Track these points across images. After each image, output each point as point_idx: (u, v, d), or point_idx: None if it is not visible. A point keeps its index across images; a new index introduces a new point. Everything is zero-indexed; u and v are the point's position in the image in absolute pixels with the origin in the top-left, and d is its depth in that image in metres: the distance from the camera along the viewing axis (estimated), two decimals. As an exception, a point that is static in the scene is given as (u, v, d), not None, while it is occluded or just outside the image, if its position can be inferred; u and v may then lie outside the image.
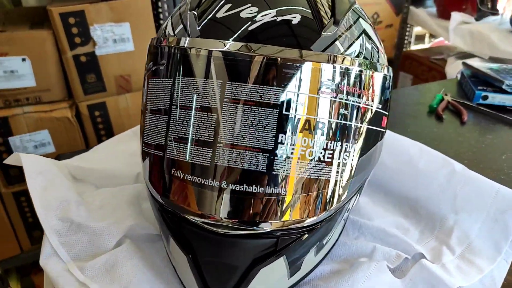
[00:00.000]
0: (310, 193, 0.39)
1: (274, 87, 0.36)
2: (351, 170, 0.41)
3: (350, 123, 0.40)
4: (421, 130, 0.81)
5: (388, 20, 1.75)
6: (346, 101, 0.39)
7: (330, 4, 0.42)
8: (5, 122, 1.20)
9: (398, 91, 1.04)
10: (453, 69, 1.41)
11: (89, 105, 1.29)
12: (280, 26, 0.39)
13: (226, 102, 0.37)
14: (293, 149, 0.37)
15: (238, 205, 0.38)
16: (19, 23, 1.22)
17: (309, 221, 0.40)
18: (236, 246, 0.39)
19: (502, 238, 0.51)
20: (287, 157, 0.37)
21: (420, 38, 2.74)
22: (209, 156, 0.38)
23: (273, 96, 0.36)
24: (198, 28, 0.40)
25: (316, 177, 0.39)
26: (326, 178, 0.39)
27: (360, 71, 0.40)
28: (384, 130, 0.47)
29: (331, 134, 0.39)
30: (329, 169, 0.39)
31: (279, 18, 0.39)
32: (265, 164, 0.37)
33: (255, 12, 0.39)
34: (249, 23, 0.38)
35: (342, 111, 0.39)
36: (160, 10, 1.33)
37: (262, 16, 0.39)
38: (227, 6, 0.40)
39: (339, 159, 0.40)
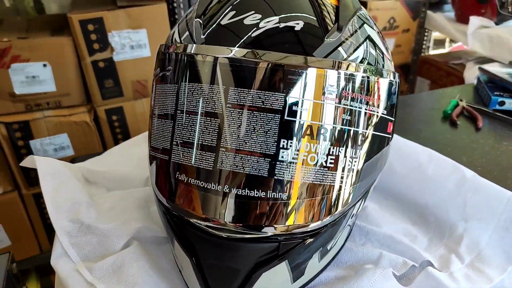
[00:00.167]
0: (313, 198, 0.39)
1: (277, 93, 0.37)
2: (355, 175, 0.41)
3: (353, 128, 0.40)
4: (434, 136, 0.80)
5: (405, 25, 1.74)
6: (350, 107, 0.39)
7: (335, 10, 0.43)
8: (27, 125, 1.24)
9: (412, 96, 1.03)
10: (472, 74, 1.38)
11: (106, 110, 1.32)
12: (283, 33, 0.39)
13: (229, 107, 0.38)
14: (295, 154, 0.38)
15: (241, 209, 0.38)
16: (41, 30, 1.26)
17: (312, 226, 0.40)
18: (239, 249, 0.40)
19: (513, 247, 0.50)
20: (289, 162, 0.38)
21: (440, 43, 2.70)
22: (213, 160, 0.38)
23: (276, 101, 0.37)
24: (203, 35, 0.41)
25: (319, 183, 0.39)
26: (329, 183, 0.39)
27: (365, 77, 0.40)
28: (390, 136, 0.46)
29: (334, 139, 0.39)
30: (332, 174, 0.39)
31: (282, 25, 0.39)
32: (267, 169, 0.37)
33: (258, 19, 0.39)
34: (252, 30, 0.39)
35: (346, 117, 0.39)
36: (176, 16, 1.36)
37: (265, 23, 0.39)
38: (231, 13, 0.41)
39: (342, 164, 0.40)
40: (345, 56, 0.40)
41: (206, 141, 0.39)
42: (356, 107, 0.40)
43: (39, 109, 1.25)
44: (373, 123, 0.42)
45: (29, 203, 1.33)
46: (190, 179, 0.40)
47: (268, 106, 0.37)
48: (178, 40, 0.44)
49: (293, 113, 0.37)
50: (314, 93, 0.37)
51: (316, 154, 0.38)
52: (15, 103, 1.22)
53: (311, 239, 0.41)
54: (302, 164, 0.38)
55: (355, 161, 0.41)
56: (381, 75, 0.42)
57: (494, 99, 0.89)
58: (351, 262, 0.51)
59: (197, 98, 0.39)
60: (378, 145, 0.44)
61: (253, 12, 0.40)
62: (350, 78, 0.39)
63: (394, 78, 0.45)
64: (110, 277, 0.46)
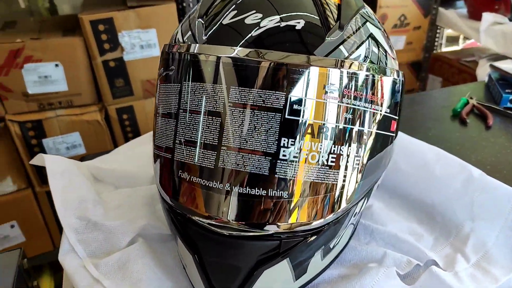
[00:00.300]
0: (314, 196, 0.39)
1: (277, 92, 0.37)
2: (358, 174, 0.41)
3: (355, 127, 0.40)
4: (442, 135, 0.79)
5: (416, 22, 1.71)
6: (352, 106, 0.39)
7: (337, 9, 0.43)
8: (40, 124, 1.26)
9: (421, 94, 1.02)
10: (484, 71, 1.36)
11: (117, 109, 1.34)
12: (284, 32, 0.39)
13: (231, 106, 0.38)
14: (296, 153, 0.38)
15: (243, 207, 0.39)
16: (53, 30, 1.28)
17: (315, 224, 0.41)
18: (240, 247, 0.40)
19: (520, 247, 0.50)
20: (290, 160, 0.38)
21: (454, 40, 2.66)
22: (214, 159, 0.39)
23: (277, 100, 0.37)
24: (205, 35, 0.41)
25: (321, 181, 0.39)
26: (331, 182, 0.39)
27: (367, 75, 0.40)
28: (393, 135, 0.46)
29: (335, 138, 0.39)
30: (333, 173, 0.39)
31: (283, 24, 0.39)
32: (268, 167, 0.38)
33: (259, 19, 0.40)
34: (253, 29, 0.39)
35: (347, 115, 0.39)
36: (185, 16, 1.37)
37: (266, 22, 0.39)
38: (233, 13, 0.41)
39: (344, 163, 0.40)
40: (346, 54, 0.40)
41: (208, 140, 0.39)
42: (358, 105, 0.40)
43: (52, 108, 1.28)
44: (375, 122, 0.42)
45: (42, 200, 1.36)
46: (192, 177, 0.40)
47: (269, 105, 0.37)
48: (181, 40, 0.44)
49: (293, 112, 0.37)
50: (315, 92, 0.38)
51: (317, 152, 0.38)
52: (28, 102, 1.24)
53: (313, 237, 0.41)
54: (303, 163, 0.38)
55: (357, 160, 0.41)
56: (384, 74, 0.42)
57: (505, 97, 0.87)
58: (355, 261, 0.51)
59: (199, 97, 0.39)
60: (381, 143, 0.44)
61: (254, 11, 0.40)
62: (352, 76, 0.39)
63: (398, 76, 0.45)
64: (116, 273, 0.46)
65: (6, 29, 1.30)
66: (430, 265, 0.49)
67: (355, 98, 0.39)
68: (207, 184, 0.39)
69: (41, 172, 1.31)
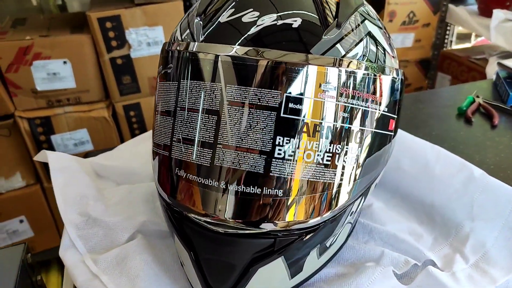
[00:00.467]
0: (310, 195, 0.39)
1: (273, 90, 0.37)
2: (354, 173, 0.41)
3: (351, 126, 0.40)
4: (447, 133, 0.78)
5: (425, 19, 1.69)
6: (348, 105, 0.39)
7: (335, 7, 0.42)
8: (48, 121, 1.28)
9: (427, 92, 1.01)
10: (494, 69, 1.34)
11: (124, 106, 1.35)
12: (280, 30, 0.39)
13: (227, 104, 0.38)
14: (292, 151, 0.38)
15: (239, 205, 0.39)
16: (61, 28, 1.30)
17: (310, 222, 0.41)
18: (235, 244, 0.40)
19: (520, 248, 0.49)
20: (285, 159, 0.38)
21: (465, 37, 2.62)
22: (210, 157, 0.39)
23: (272, 99, 0.37)
24: (203, 33, 0.41)
25: (316, 179, 0.39)
26: (327, 180, 0.39)
27: (365, 74, 0.40)
28: (392, 133, 0.46)
29: (331, 137, 0.39)
30: (329, 171, 0.39)
31: (280, 22, 0.39)
32: (263, 166, 0.38)
33: (256, 17, 0.40)
34: (250, 27, 0.39)
35: (344, 114, 0.39)
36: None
37: (263, 20, 0.39)
38: (231, 11, 0.41)
39: (340, 162, 0.40)
40: (343, 53, 0.40)
41: (204, 138, 0.39)
42: (355, 104, 0.40)
43: (60, 105, 1.29)
44: (373, 121, 0.42)
45: (51, 196, 1.38)
46: (189, 175, 0.40)
47: (264, 103, 0.37)
48: (179, 38, 0.44)
49: (289, 111, 0.37)
50: (311, 90, 0.37)
51: (312, 151, 0.38)
52: (37, 99, 1.26)
53: (308, 236, 0.42)
54: (299, 161, 0.38)
55: (354, 159, 0.41)
56: (382, 72, 0.42)
57: (512, 96, 0.86)
58: (352, 260, 0.51)
59: (196, 95, 0.40)
60: (379, 142, 0.44)
61: (252, 9, 0.40)
62: (349, 75, 0.39)
63: (397, 75, 0.45)
64: (114, 269, 0.47)
65: (16, 26, 1.32)
66: (428, 265, 0.49)
67: (352, 97, 0.39)
68: (203, 182, 0.39)
69: (49, 168, 1.33)
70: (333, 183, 0.40)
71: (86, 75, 1.28)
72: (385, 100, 0.43)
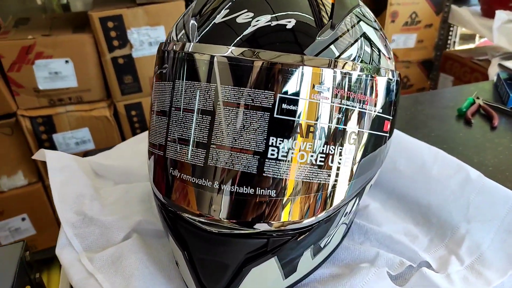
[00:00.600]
0: (303, 195, 0.39)
1: (266, 91, 0.37)
2: (348, 174, 0.41)
3: (345, 127, 0.40)
4: (446, 135, 0.78)
5: (428, 19, 1.69)
6: (342, 105, 0.39)
7: (330, 8, 0.42)
8: (50, 120, 1.29)
9: (427, 94, 1.01)
10: (496, 70, 1.33)
11: (126, 105, 1.35)
12: (274, 31, 0.39)
13: (220, 105, 0.38)
14: (285, 152, 0.38)
15: (233, 205, 0.39)
16: (64, 27, 1.30)
17: (305, 222, 0.41)
18: (227, 244, 0.40)
19: (515, 250, 0.49)
20: (279, 160, 0.38)
21: (470, 38, 2.61)
22: (204, 157, 0.39)
23: (266, 99, 0.37)
24: (197, 34, 0.41)
25: (309, 180, 0.39)
26: (320, 181, 0.40)
27: (360, 75, 0.40)
28: (387, 135, 0.46)
29: (325, 138, 0.39)
30: (322, 172, 0.39)
31: (274, 23, 0.39)
32: (256, 166, 0.38)
33: (250, 17, 0.40)
34: (244, 28, 0.39)
35: (337, 115, 0.39)
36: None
37: (257, 21, 0.39)
38: (225, 12, 0.41)
39: (334, 163, 0.40)
40: (337, 54, 0.40)
41: (198, 138, 0.39)
42: (349, 105, 0.40)
43: (62, 104, 1.30)
44: (367, 122, 0.42)
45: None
46: (183, 175, 0.40)
47: (258, 104, 0.37)
48: (175, 39, 0.44)
49: (282, 111, 0.37)
50: (305, 91, 0.38)
51: (306, 152, 0.38)
52: (39, 98, 1.26)
53: (301, 236, 0.42)
54: (292, 162, 0.38)
55: (348, 160, 0.41)
56: (377, 74, 0.42)
57: (513, 97, 0.86)
58: (347, 261, 0.51)
59: (190, 96, 0.40)
60: (373, 143, 0.44)
61: (246, 10, 0.40)
62: (344, 76, 0.39)
63: (393, 76, 0.45)
64: (109, 268, 0.47)
65: (19, 25, 1.33)
66: (424, 266, 0.49)
67: (346, 98, 0.39)
68: (197, 182, 0.40)
69: (51, 166, 1.34)
70: (327, 183, 0.40)
71: (88, 74, 1.28)
72: (380, 101, 0.43)
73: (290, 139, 0.38)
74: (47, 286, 1.38)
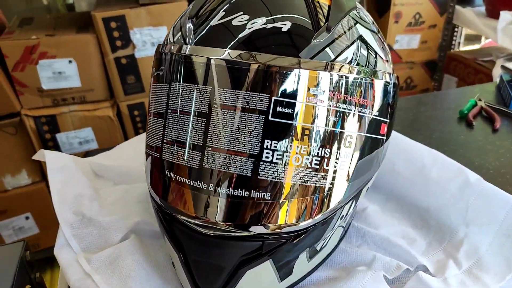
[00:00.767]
0: (298, 198, 0.39)
1: (261, 94, 0.37)
2: (344, 176, 0.41)
3: (341, 130, 0.40)
4: (447, 137, 0.78)
5: (431, 20, 1.68)
6: (337, 108, 0.39)
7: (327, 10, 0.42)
8: (53, 119, 1.30)
9: (429, 95, 1.00)
10: (500, 72, 1.32)
11: (129, 105, 1.36)
12: (269, 34, 0.39)
13: (215, 107, 0.38)
14: (279, 155, 0.38)
15: (229, 208, 0.39)
16: (67, 27, 1.31)
17: (300, 225, 0.41)
18: (222, 247, 0.41)
19: (514, 255, 0.49)
20: (273, 162, 0.38)
21: (476, 38, 2.59)
22: (199, 159, 0.39)
23: (261, 102, 0.37)
24: (194, 36, 0.41)
25: (304, 183, 0.39)
26: (315, 184, 0.39)
27: (356, 78, 0.40)
28: (383, 138, 0.46)
29: (320, 141, 0.39)
30: (318, 175, 0.39)
31: (269, 26, 0.39)
32: (251, 169, 0.38)
33: (245, 20, 0.40)
34: (240, 31, 0.39)
35: (333, 118, 0.39)
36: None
37: (252, 24, 0.39)
38: (222, 14, 0.41)
39: (329, 166, 0.40)
40: (332, 56, 0.40)
41: (194, 140, 0.39)
42: (344, 108, 0.39)
43: (65, 104, 1.31)
44: (364, 125, 0.42)
45: (56, 194, 1.39)
46: (178, 177, 0.41)
47: (252, 107, 0.37)
48: (172, 41, 0.45)
49: (277, 114, 0.37)
50: (300, 94, 0.37)
51: (301, 155, 0.38)
52: (42, 97, 1.27)
53: (297, 239, 0.42)
54: (287, 165, 0.38)
55: (343, 163, 0.41)
56: (374, 77, 0.42)
57: (515, 99, 0.85)
58: (344, 263, 0.50)
59: (185, 98, 0.40)
60: (370, 146, 0.43)
61: (242, 13, 0.40)
62: (341, 80, 0.39)
63: (390, 79, 0.45)
64: (106, 269, 0.47)
65: (23, 25, 1.34)
66: (421, 270, 0.49)
67: (342, 101, 0.39)
68: (192, 184, 0.40)
69: (54, 166, 1.35)
70: (323, 186, 0.40)
71: (91, 74, 1.29)
72: (376, 104, 0.43)
73: (285, 142, 0.38)
74: (50, 284, 1.40)
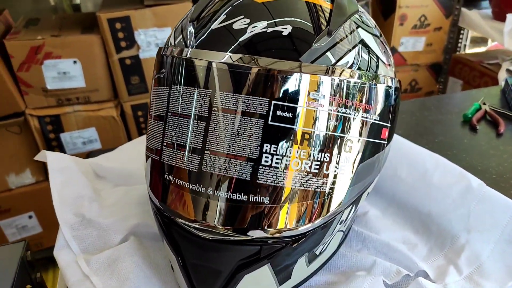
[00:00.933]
0: (297, 203, 0.39)
1: (261, 98, 0.37)
2: (343, 181, 0.41)
3: (341, 135, 0.39)
4: (450, 141, 0.77)
5: (437, 22, 1.67)
6: (338, 113, 0.39)
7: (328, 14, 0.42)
8: (58, 119, 1.30)
9: (433, 99, 0.99)
10: (505, 75, 1.31)
11: (132, 105, 1.36)
12: (270, 38, 0.39)
13: (215, 111, 0.38)
14: (279, 159, 0.38)
15: (228, 212, 0.39)
16: (73, 28, 1.32)
17: (298, 230, 0.40)
18: (220, 250, 0.40)
19: (515, 262, 0.48)
20: (272, 167, 0.38)
21: (482, 41, 2.57)
22: (198, 162, 0.39)
23: (260, 106, 0.37)
24: (195, 39, 0.41)
25: (303, 187, 0.39)
26: (315, 188, 0.39)
27: (357, 83, 0.40)
28: (384, 142, 0.45)
29: (320, 145, 0.39)
30: (317, 180, 0.39)
31: (270, 30, 0.39)
32: (250, 173, 0.38)
33: (246, 24, 0.40)
34: (240, 34, 0.39)
35: (333, 122, 0.39)
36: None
37: (253, 27, 0.39)
38: (223, 17, 0.41)
39: (328, 170, 0.40)
40: (333, 61, 0.39)
41: (193, 143, 0.39)
42: (345, 113, 0.39)
43: (70, 104, 1.31)
44: (364, 130, 0.41)
45: (59, 193, 1.40)
46: (177, 180, 0.41)
47: (252, 110, 0.37)
48: (173, 43, 0.45)
49: (276, 118, 0.37)
50: (300, 99, 0.37)
51: (300, 159, 0.38)
52: (47, 97, 1.28)
53: (295, 244, 0.41)
54: (286, 169, 0.38)
55: (343, 167, 0.40)
56: (375, 81, 0.42)
57: (520, 103, 0.84)
58: (344, 268, 0.50)
59: (186, 101, 0.40)
60: (371, 151, 0.43)
61: (243, 16, 0.40)
62: (341, 84, 0.38)
63: (392, 83, 0.44)
64: (105, 270, 0.48)
65: (29, 26, 1.35)
66: (421, 276, 0.48)
67: (342, 105, 0.39)
68: (192, 188, 0.40)
69: (58, 165, 1.35)
70: (322, 191, 0.40)
71: (96, 74, 1.30)
72: (378, 108, 0.42)
73: (284, 146, 0.38)
74: (52, 283, 1.40)
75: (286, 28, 0.39)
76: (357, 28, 0.43)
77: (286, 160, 0.38)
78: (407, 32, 1.65)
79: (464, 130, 0.81)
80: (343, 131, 0.39)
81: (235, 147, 0.38)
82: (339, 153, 0.40)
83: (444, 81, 1.80)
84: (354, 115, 0.40)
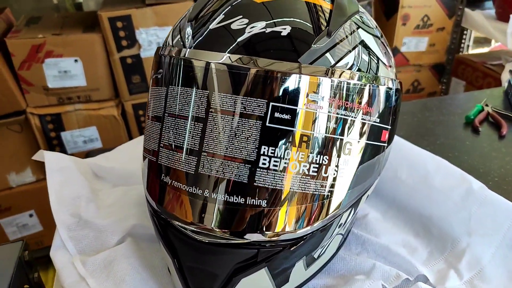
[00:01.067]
0: (295, 205, 0.39)
1: (258, 99, 0.36)
2: (342, 184, 0.40)
3: (340, 137, 0.39)
4: (451, 143, 0.76)
5: (440, 23, 1.66)
6: (337, 115, 0.38)
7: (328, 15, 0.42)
8: (59, 118, 1.30)
9: (435, 100, 0.98)
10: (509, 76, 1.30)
11: (133, 104, 1.36)
12: (269, 38, 0.39)
13: (212, 112, 0.38)
14: (276, 161, 0.37)
15: (224, 215, 0.38)
16: (74, 27, 1.31)
17: (297, 233, 0.40)
18: (217, 253, 0.40)
19: (517, 267, 0.47)
20: (270, 169, 0.37)
21: (486, 41, 2.56)
22: (195, 164, 0.39)
23: (258, 107, 0.37)
24: (193, 40, 0.41)
25: (301, 190, 0.38)
26: (313, 191, 0.39)
27: (356, 84, 0.39)
28: (384, 144, 0.45)
29: (318, 148, 0.38)
30: (316, 182, 0.39)
31: (268, 30, 0.39)
32: (247, 175, 0.37)
33: (245, 24, 0.39)
34: (238, 35, 0.39)
35: (332, 124, 0.38)
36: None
37: (251, 28, 0.39)
38: (221, 17, 0.41)
39: (327, 173, 0.39)
40: (333, 62, 0.39)
41: (190, 145, 0.39)
42: (344, 115, 0.39)
43: (71, 103, 1.31)
44: (364, 132, 0.41)
45: (60, 192, 1.40)
46: (174, 182, 0.40)
47: (250, 112, 0.37)
48: (171, 43, 0.44)
49: (274, 120, 0.37)
50: (299, 100, 0.37)
51: (298, 162, 0.38)
52: (48, 96, 1.28)
53: (293, 247, 0.41)
54: (284, 172, 0.38)
55: (342, 170, 0.40)
56: (375, 82, 0.41)
57: (523, 105, 0.84)
58: (342, 272, 0.50)
59: (183, 102, 0.39)
60: (370, 153, 0.43)
61: (241, 16, 0.40)
62: (341, 85, 0.38)
63: (393, 85, 0.44)
64: (101, 272, 0.47)
65: (30, 24, 1.34)
66: (421, 280, 0.48)
67: (341, 107, 0.38)
68: (188, 190, 0.39)
69: (59, 164, 1.35)
70: (321, 194, 0.39)
71: (97, 73, 1.29)
72: (378, 110, 0.42)
73: (282, 148, 0.37)
74: (52, 282, 1.40)
75: (285, 29, 0.39)
76: (357, 28, 0.43)
77: (284, 163, 0.37)
78: (410, 32, 1.64)
79: (466, 132, 0.81)
80: (342, 134, 0.39)
81: (232, 149, 0.37)
82: (338, 155, 0.39)
83: (446, 81, 1.79)
84: (354, 117, 0.39)
